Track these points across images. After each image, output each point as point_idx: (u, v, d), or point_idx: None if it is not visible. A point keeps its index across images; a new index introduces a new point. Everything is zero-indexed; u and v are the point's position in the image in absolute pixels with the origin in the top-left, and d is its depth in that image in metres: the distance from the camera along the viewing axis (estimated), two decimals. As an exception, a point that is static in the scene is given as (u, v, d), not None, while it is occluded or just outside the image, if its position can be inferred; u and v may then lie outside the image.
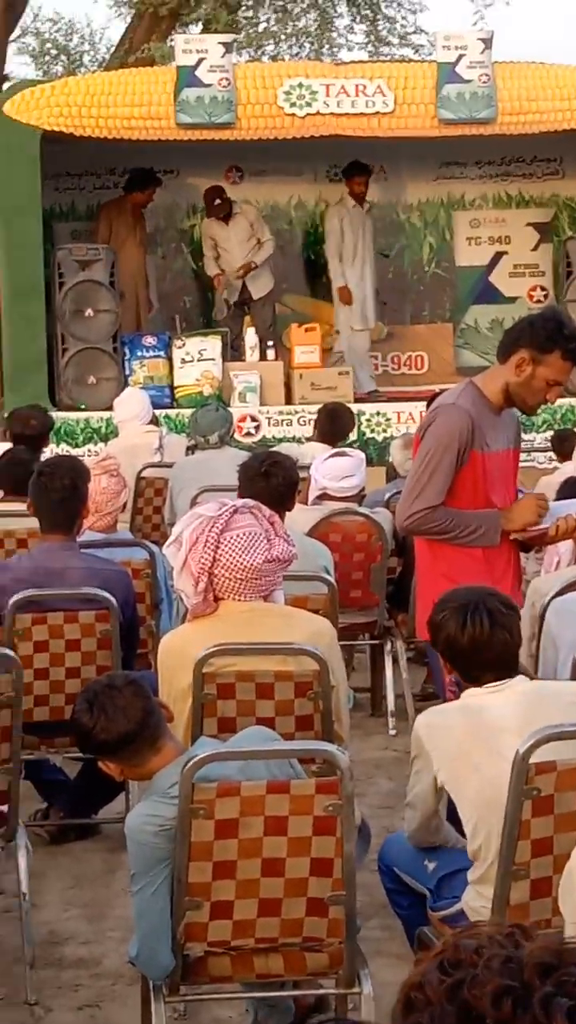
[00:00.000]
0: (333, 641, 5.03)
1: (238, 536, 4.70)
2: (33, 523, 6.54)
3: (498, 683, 4.26)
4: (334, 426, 9.84)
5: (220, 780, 3.90)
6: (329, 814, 3.91)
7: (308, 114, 13.16)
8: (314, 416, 10.48)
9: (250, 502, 4.93)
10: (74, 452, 11.86)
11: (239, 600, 4.76)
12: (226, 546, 4.68)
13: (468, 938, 1.69)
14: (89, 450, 12.27)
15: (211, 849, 3.89)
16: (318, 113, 13.17)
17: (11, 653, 5.17)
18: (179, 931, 3.93)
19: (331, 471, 8.03)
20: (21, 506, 7.20)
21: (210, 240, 14.19)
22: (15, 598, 5.92)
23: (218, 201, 14.05)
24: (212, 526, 4.70)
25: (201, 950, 3.98)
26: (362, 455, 8.39)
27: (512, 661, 4.32)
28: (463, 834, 4.25)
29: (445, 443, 5.47)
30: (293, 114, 13.14)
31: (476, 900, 4.13)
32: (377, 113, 13.23)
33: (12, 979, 5.20)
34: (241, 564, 4.69)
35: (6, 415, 10.44)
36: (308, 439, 11.03)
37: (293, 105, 13.10)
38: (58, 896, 5.99)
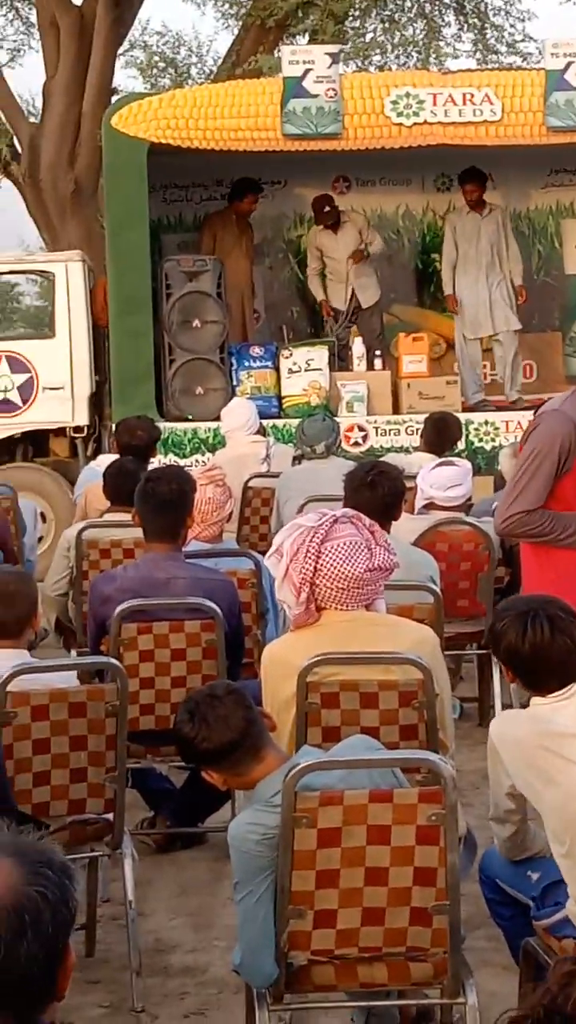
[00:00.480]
0: (436, 649, 5.01)
1: (339, 546, 4.70)
2: (139, 533, 6.58)
3: (562, 691, 4.26)
4: (441, 436, 9.79)
5: (322, 789, 3.90)
6: (432, 824, 3.89)
7: (415, 123, 13.10)
8: (421, 426, 10.45)
9: (350, 512, 4.93)
10: (181, 463, 11.90)
11: (341, 609, 4.76)
12: (327, 556, 4.68)
13: None
14: (196, 460, 12.32)
15: (314, 858, 3.88)
16: (425, 122, 13.10)
17: (116, 662, 5.19)
18: (283, 939, 3.93)
19: (438, 480, 8.02)
20: (127, 516, 7.25)
21: (316, 251, 14.19)
22: (120, 608, 5.96)
23: (327, 208, 14.05)
24: (313, 536, 4.70)
25: (305, 959, 3.98)
26: (468, 465, 8.35)
27: (573, 666, 4.31)
28: None
29: (547, 448, 5.46)
30: (400, 124, 13.08)
31: (579, 908, 4.11)
32: (485, 122, 13.14)
33: (119, 987, 5.23)
34: (343, 574, 4.68)
35: (114, 426, 10.51)
36: (416, 449, 10.99)
37: (400, 115, 13.06)
38: (164, 904, 6.02)
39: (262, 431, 10.84)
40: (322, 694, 4.86)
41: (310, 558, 4.69)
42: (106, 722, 5.01)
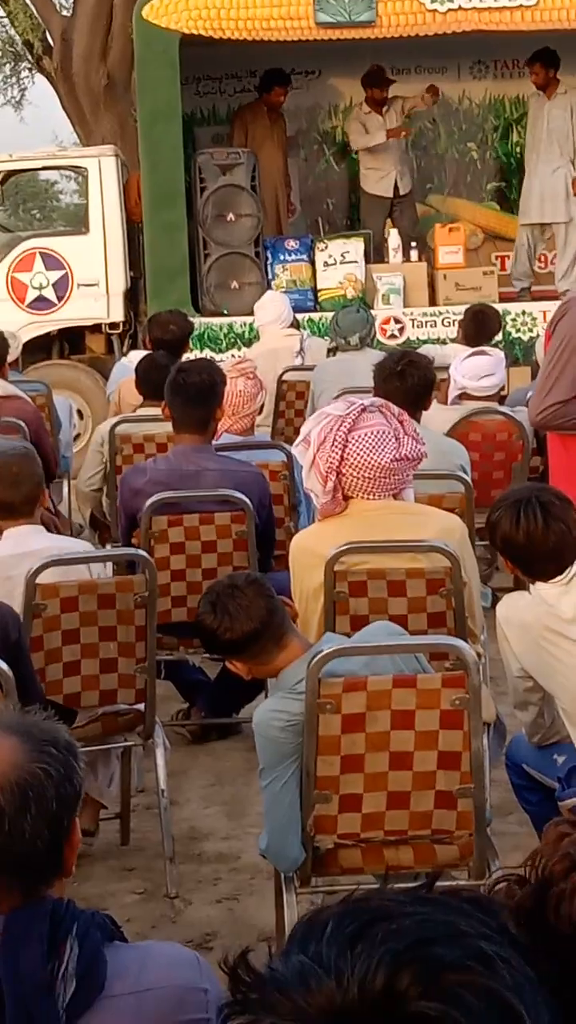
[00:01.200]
0: (464, 537, 5.00)
1: (366, 435, 4.69)
2: (172, 427, 6.57)
3: (562, 576, 4.27)
4: (479, 328, 9.67)
5: (346, 675, 3.92)
6: (456, 708, 3.92)
7: (449, 9, 12.90)
8: (459, 317, 10.36)
9: (378, 400, 4.91)
10: (217, 358, 11.85)
11: (368, 499, 4.75)
12: (354, 445, 4.67)
13: None
14: (232, 355, 12.25)
15: (338, 743, 3.92)
16: (460, 8, 12.90)
17: (143, 553, 5.21)
18: (309, 824, 3.97)
19: (470, 370, 7.97)
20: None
21: (361, 127, 13.86)
22: (151, 500, 5.97)
23: (386, 76, 13.82)
24: (340, 425, 4.69)
25: (331, 842, 4.02)
26: (501, 354, 8.30)
27: (569, 552, 4.32)
28: None
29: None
30: (435, 10, 12.89)
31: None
32: (520, 6, 12.93)
33: (154, 874, 5.30)
34: (369, 463, 4.68)
35: (147, 321, 10.48)
36: (453, 340, 10.91)
37: (434, 1, 12.88)
38: (199, 794, 6.08)
39: (296, 324, 10.77)
40: (350, 583, 4.87)
41: (337, 447, 4.68)
42: (135, 613, 5.03)
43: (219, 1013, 1.23)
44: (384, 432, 4.72)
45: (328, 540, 4.81)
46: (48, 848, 2.19)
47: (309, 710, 3.88)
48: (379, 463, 4.70)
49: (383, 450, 4.70)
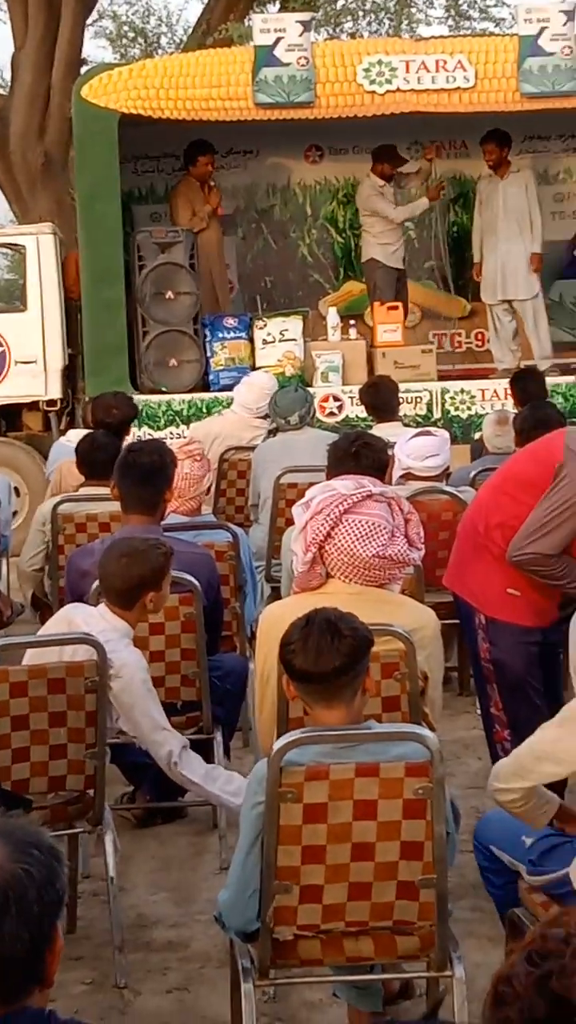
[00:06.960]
0: (436, 632, 4.96)
1: (359, 522, 4.68)
2: (115, 507, 6.52)
3: None
4: (378, 398, 9.63)
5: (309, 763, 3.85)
6: (419, 797, 3.86)
7: (388, 91, 13.02)
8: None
9: (390, 492, 4.88)
10: (156, 435, 11.81)
11: (347, 582, 4.74)
12: (343, 527, 4.67)
13: (555, 927, 1.67)
14: (171, 432, 12.25)
15: (300, 833, 3.84)
16: (398, 90, 13.01)
17: (94, 636, 5.13)
18: (268, 915, 3.89)
19: (415, 450, 7.96)
20: (102, 490, 7.20)
21: (384, 198, 13.94)
22: (98, 583, 5.89)
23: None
24: (339, 503, 4.69)
25: (291, 933, 3.94)
26: (446, 434, 8.30)
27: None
28: None
29: None
30: (373, 91, 13.00)
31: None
32: (458, 88, 13.06)
33: (102, 963, 5.19)
34: (350, 551, 4.67)
35: (88, 400, 10.41)
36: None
37: (373, 82, 12.98)
38: (145, 879, 5.99)
39: (267, 416, 10.56)
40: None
41: (326, 523, 4.68)
42: (86, 698, 4.95)
43: None
44: (379, 526, 4.71)
45: (297, 616, 4.77)
46: (28, 954, 2.12)
47: (270, 799, 3.81)
48: (360, 555, 4.68)
49: (369, 543, 4.68)
